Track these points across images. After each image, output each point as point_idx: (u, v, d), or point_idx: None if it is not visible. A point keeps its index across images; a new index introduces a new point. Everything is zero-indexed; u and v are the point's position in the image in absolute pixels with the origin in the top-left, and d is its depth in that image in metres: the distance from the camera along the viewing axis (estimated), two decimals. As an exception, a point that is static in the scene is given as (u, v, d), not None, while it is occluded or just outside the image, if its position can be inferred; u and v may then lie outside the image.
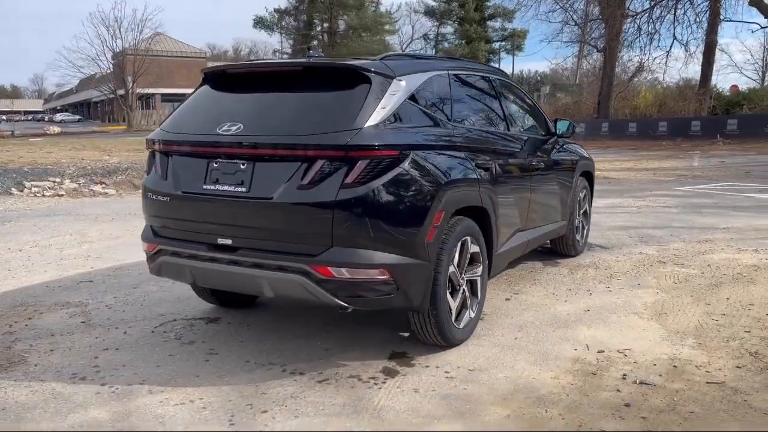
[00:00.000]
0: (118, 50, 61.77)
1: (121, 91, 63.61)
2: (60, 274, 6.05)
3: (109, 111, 75.83)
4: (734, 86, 38.20)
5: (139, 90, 62.79)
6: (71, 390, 3.47)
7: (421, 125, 3.83)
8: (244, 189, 3.56)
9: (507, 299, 5.12)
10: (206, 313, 4.82)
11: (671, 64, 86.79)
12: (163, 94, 66.92)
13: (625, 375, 3.61)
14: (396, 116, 3.63)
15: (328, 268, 3.38)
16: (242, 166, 3.60)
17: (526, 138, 5.32)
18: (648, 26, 32.65)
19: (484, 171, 4.25)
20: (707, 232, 7.99)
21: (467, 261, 4.09)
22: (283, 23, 64.06)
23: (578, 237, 6.59)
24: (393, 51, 68.96)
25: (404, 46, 67.66)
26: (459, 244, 3.93)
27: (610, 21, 33.61)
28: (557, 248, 6.49)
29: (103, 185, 13.32)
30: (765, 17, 27.60)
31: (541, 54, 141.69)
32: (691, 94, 34.25)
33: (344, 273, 3.37)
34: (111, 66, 63.24)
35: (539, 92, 53.31)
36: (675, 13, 32.32)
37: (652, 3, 31.11)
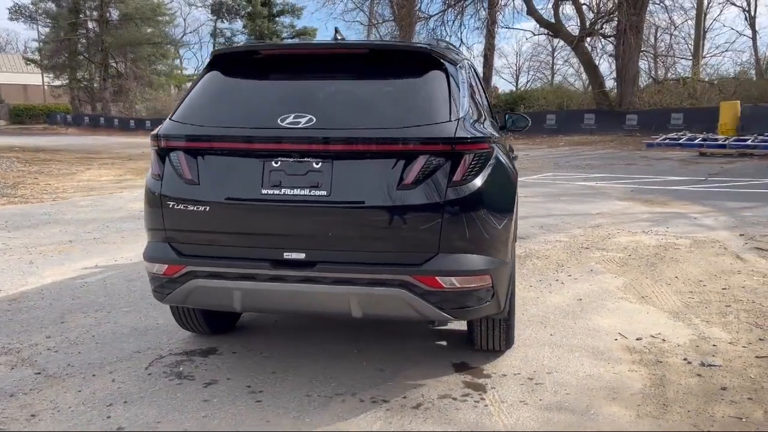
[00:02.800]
0: None
1: None
2: (-64, 313, 4.66)
3: None
4: (495, 87, 42.42)
5: None
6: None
7: (478, 117, 3.57)
8: (323, 192, 3.00)
9: (496, 296, 5.04)
10: (192, 343, 4.03)
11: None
12: None
13: (685, 359, 3.74)
14: (470, 107, 3.33)
15: (436, 278, 2.99)
16: (316, 166, 3.03)
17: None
18: (439, 30, 34.85)
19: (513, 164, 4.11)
20: (588, 218, 8.70)
21: None
22: (44, 10, 56.86)
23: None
24: (176, 42, 64.03)
25: (179, 39, 64.07)
26: None
27: (403, 23, 35.26)
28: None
29: None
30: (540, 26, 31.07)
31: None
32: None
33: (454, 283, 3.01)
34: None
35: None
36: (462, 19, 34.96)
37: (445, 6, 33.26)
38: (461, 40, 34.88)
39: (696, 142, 20.19)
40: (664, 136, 22.00)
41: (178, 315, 3.92)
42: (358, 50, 3.45)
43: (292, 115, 3.06)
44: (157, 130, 3.33)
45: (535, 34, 35.93)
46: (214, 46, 64.56)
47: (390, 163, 2.99)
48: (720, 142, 19.32)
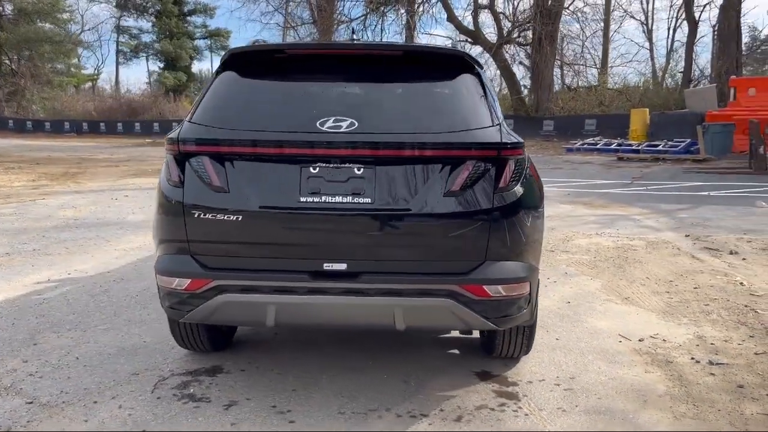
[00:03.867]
0: None
1: None
2: None
3: None
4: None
5: None
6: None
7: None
8: (367, 200, 2.87)
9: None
10: (192, 362, 3.76)
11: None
12: None
13: (692, 358, 3.86)
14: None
15: (483, 287, 2.92)
16: (358, 172, 2.89)
17: None
18: (360, 33, 34.86)
19: None
20: (540, 221, 8.90)
21: None
22: None
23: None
24: (77, 40, 60.58)
25: (77, 35, 60.83)
26: None
27: (323, 26, 35.06)
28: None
29: None
30: (460, 33, 31.74)
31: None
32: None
33: (500, 291, 2.95)
34: None
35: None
36: (383, 24, 35.17)
37: (367, 10, 33.32)
38: (382, 44, 35.03)
39: (612, 147, 21.27)
40: (582, 142, 23.01)
41: (179, 332, 3.65)
42: (391, 52, 3.34)
43: (332, 119, 2.91)
44: (174, 132, 3.07)
45: (454, 41, 36.64)
46: (117, 45, 61.80)
47: (436, 169, 2.90)
48: (634, 147, 20.45)
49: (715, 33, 31.45)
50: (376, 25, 34.35)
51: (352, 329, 4.07)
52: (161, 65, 55.27)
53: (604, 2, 33.24)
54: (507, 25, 30.32)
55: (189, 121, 3.07)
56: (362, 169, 2.89)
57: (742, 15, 26.72)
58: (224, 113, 3.06)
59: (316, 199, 2.88)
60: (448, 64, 3.23)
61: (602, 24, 33.76)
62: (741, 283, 5.53)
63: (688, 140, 19.35)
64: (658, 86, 34.04)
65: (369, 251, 2.91)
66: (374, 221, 2.88)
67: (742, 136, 17.92)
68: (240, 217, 2.89)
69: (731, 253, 6.73)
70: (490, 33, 31.46)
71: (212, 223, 2.92)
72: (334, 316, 3.03)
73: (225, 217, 2.90)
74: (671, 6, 60.51)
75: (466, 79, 3.18)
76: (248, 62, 3.27)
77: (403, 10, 32.14)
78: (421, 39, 36.61)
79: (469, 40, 30.91)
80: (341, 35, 35.87)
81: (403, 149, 2.90)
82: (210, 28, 56.58)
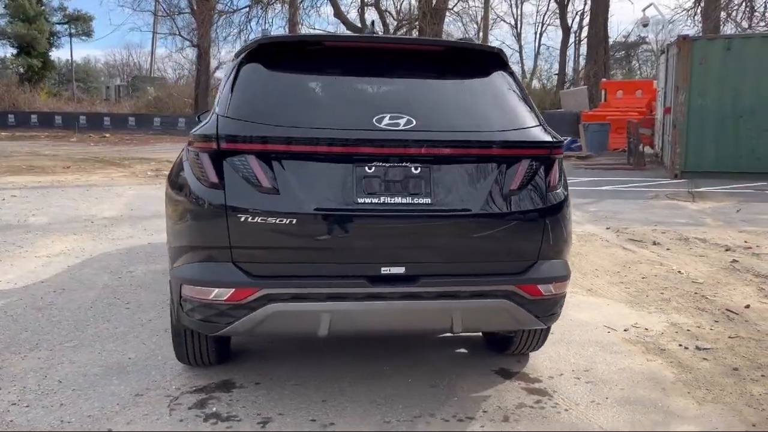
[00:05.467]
0: None
1: None
2: None
3: None
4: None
5: None
6: None
7: None
8: (427, 200, 2.76)
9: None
10: (195, 378, 3.46)
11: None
12: None
13: (680, 344, 4.10)
14: None
15: (537, 286, 2.92)
16: (415, 171, 2.78)
17: None
18: (244, 26, 33.86)
19: None
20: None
21: None
22: None
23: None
24: None
25: None
26: None
27: (203, 15, 33.69)
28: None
29: None
30: (347, 29, 31.69)
31: (122, 41, 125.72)
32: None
33: (551, 290, 2.98)
34: None
35: (109, 86, 50.06)
36: (266, 15, 34.37)
37: (251, 2, 32.36)
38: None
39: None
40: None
41: (186, 346, 3.33)
42: (433, 47, 3.26)
43: (388, 116, 2.78)
44: (206, 128, 2.79)
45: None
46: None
47: (493, 168, 2.86)
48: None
49: (586, 39, 33.82)
50: (260, 18, 33.52)
51: (405, 335, 3.95)
52: (14, 51, 50.43)
53: (483, 5, 34.63)
54: (393, 23, 30.73)
55: (224, 116, 2.79)
56: (419, 168, 2.79)
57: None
58: (264, 108, 2.83)
59: (375, 200, 2.73)
60: (486, 62, 3.20)
61: (482, 25, 35.17)
62: (679, 272, 5.97)
63: (569, 138, 20.64)
64: (528, 87, 36.06)
65: (427, 253, 2.82)
66: (434, 222, 2.79)
67: (615, 135, 19.41)
68: (293, 221, 2.68)
69: (654, 243, 7.26)
70: (377, 31, 31.74)
71: (260, 228, 2.68)
72: (391, 322, 2.90)
73: (276, 221, 2.67)
74: (537, 11, 64.58)
75: (506, 77, 3.17)
76: (279, 53, 3.04)
77: (287, 4, 31.62)
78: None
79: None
80: (222, 28, 34.71)
81: (463, 147, 2.84)
82: (68, 11, 52.37)
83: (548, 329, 3.65)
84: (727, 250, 6.96)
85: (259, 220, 2.68)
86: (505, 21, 46.62)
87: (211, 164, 2.75)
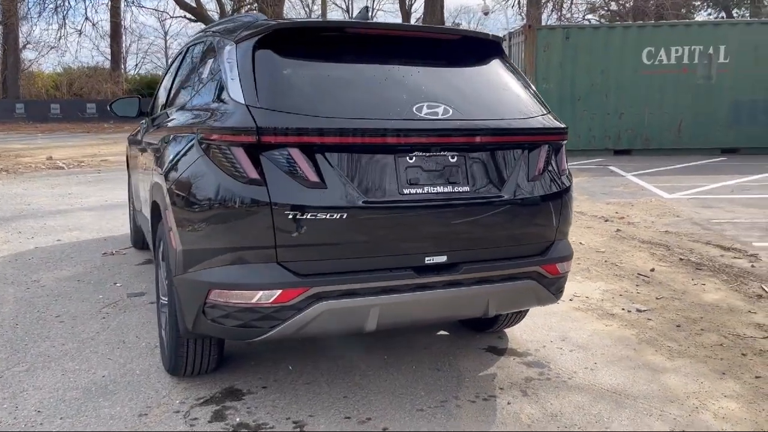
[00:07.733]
0: None
1: None
2: None
3: None
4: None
5: None
6: None
7: None
8: (465, 188, 2.80)
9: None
10: (193, 388, 3.21)
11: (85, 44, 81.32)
12: None
13: (623, 308, 4.54)
14: None
15: (556, 265, 3.09)
16: (452, 160, 2.79)
17: None
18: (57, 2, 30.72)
19: None
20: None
21: None
22: None
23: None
24: None
25: None
26: None
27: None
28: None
29: None
30: (180, 8, 30.00)
31: None
32: (107, 76, 34.37)
33: (565, 268, 3.17)
34: None
35: None
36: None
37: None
38: (86, 15, 31.62)
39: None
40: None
41: (185, 357, 3.08)
42: (449, 36, 3.25)
43: (425, 105, 2.76)
44: (237, 119, 2.57)
45: (171, 16, 34.51)
46: None
47: (519, 155, 2.97)
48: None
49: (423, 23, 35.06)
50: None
51: (443, 322, 4.00)
52: None
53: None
54: (230, 4, 29.68)
55: (256, 107, 2.58)
56: (455, 157, 2.81)
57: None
58: (299, 98, 2.67)
59: (419, 190, 2.71)
60: (490, 51, 3.31)
61: (321, 10, 35.11)
62: (580, 243, 6.55)
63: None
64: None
65: (465, 241, 2.85)
66: (472, 209, 2.83)
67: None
68: (343, 215, 2.57)
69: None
70: (213, 12, 30.45)
71: (307, 224, 2.54)
72: (435, 310, 2.91)
73: (326, 216, 2.55)
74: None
75: (507, 65, 3.29)
76: (296, 41, 2.87)
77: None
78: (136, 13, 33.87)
79: (191, 17, 29.53)
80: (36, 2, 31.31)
81: (497, 135, 2.92)
82: None
83: (529, 305, 3.86)
84: (606, 221, 7.75)
85: (309, 217, 2.54)
86: (336, 5, 46.78)
87: (249, 159, 2.55)
